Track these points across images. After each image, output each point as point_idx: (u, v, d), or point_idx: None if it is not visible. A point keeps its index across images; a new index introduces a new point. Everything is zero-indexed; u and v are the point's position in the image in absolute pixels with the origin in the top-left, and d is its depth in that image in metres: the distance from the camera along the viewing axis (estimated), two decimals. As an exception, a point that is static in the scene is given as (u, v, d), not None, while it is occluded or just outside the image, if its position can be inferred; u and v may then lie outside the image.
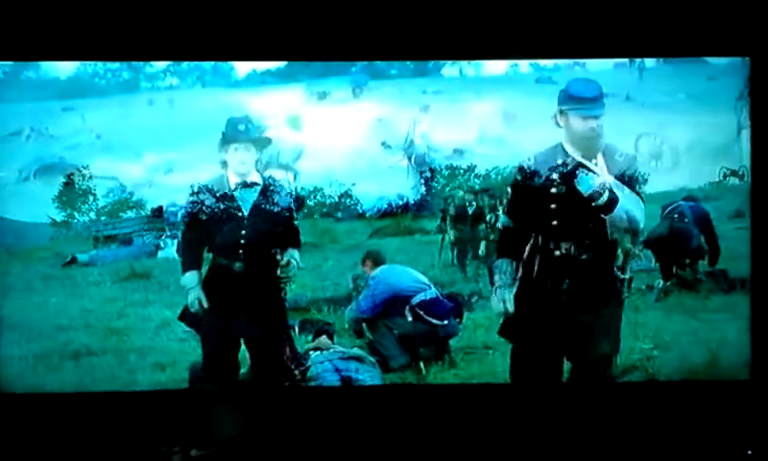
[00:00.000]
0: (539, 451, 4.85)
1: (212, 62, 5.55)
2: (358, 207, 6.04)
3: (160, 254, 5.71)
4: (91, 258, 5.57)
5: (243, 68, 5.67)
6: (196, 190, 5.02)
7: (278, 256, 4.88)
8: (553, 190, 4.45)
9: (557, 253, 4.43)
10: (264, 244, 4.88)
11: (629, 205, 4.37)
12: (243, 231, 4.84)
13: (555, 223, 4.42)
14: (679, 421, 4.94)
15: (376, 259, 5.34)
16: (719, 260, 5.50)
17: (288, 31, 5.20)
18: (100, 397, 4.90)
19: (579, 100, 4.44)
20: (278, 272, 4.85)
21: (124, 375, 4.95)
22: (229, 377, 4.84)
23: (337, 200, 5.82)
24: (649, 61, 5.64)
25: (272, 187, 4.99)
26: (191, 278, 4.87)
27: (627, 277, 4.52)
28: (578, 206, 4.37)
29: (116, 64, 5.55)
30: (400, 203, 6.10)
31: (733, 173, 5.42)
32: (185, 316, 4.87)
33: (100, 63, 5.51)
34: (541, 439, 4.88)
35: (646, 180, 5.66)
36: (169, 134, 5.97)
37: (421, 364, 5.06)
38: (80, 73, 5.53)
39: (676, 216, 5.65)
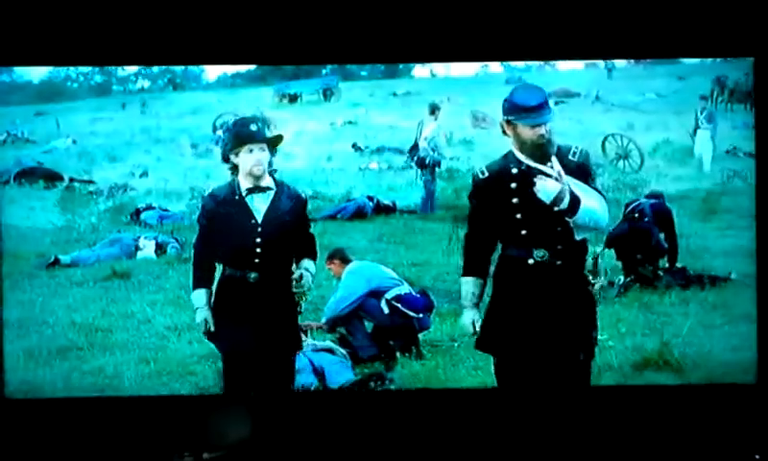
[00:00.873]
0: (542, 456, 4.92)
1: (183, 66, 5.51)
2: (329, 209, 6.14)
3: (139, 255, 5.86)
4: (73, 260, 5.72)
5: (213, 71, 5.69)
6: (205, 199, 4.76)
7: (293, 268, 4.70)
8: (515, 200, 4.36)
9: (530, 261, 4.36)
10: (280, 253, 4.66)
11: (591, 202, 4.28)
12: (258, 239, 4.60)
13: (524, 232, 4.34)
14: (686, 425, 4.98)
15: (343, 258, 5.46)
16: (678, 258, 5.63)
17: (259, 34, 5.14)
18: (112, 401, 4.99)
19: (525, 109, 4.33)
20: (293, 287, 4.67)
21: (110, 369, 5.10)
22: (247, 390, 4.72)
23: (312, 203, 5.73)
24: (619, 62, 5.62)
25: (286, 192, 4.73)
26: (199, 297, 4.67)
27: (599, 280, 4.50)
28: (543, 213, 4.28)
29: (88, 68, 5.57)
30: (371, 204, 6.24)
31: (736, 173, 5.45)
32: (209, 333, 4.71)
33: (72, 67, 5.51)
34: (542, 444, 4.93)
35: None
36: (143, 137, 6.04)
37: (398, 353, 5.28)
38: (52, 77, 5.53)
39: (637, 215, 5.76)
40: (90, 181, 6.19)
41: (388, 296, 5.36)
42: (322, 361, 5.21)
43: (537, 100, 4.31)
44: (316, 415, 5.00)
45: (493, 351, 4.54)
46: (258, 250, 4.56)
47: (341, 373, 5.20)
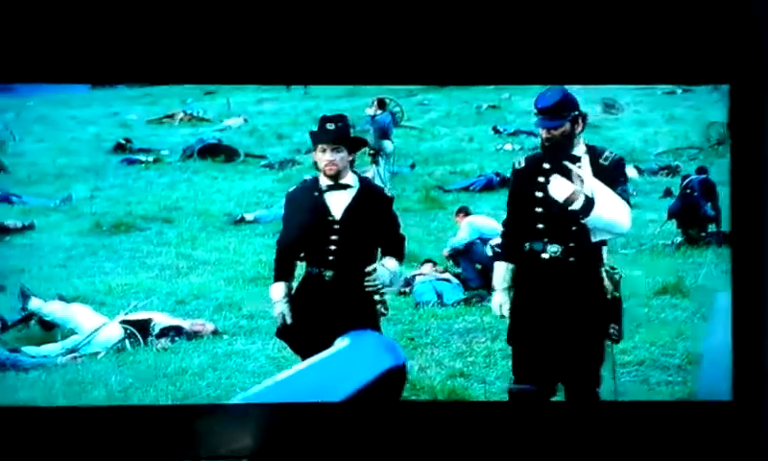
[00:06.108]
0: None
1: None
2: (463, 182, 7.58)
3: (304, 213, 7.28)
4: (255, 217, 7.27)
5: (363, 59, 6.10)
6: (287, 196, 5.00)
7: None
8: (538, 194, 4.64)
9: (544, 255, 4.64)
10: (357, 252, 4.79)
11: (610, 208, 4.49)
12: (334, 237, 4.76)
13: (541, 226, 4.63)
14: (661, 441, 5.29)
15: (466, 211, 6.98)
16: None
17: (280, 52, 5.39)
18: (111, 409, 5.32)
19: (537, 110, 4.66)
20: (365, 281, 4.73)
21: (288, 291, 6.34)
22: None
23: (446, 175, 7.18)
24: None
25: (370, 191, 4.88)
26: (276, 290, 4.89)
27: (618, 276, 4.69)
28: (560, 210, 4.55)
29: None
30: (497, 179, 7.53)
31: None
32: (280, 332, 4.93)
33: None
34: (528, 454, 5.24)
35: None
36: (306, 118, 6.98)
37: (494, 285, 6.62)
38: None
39: (688, 191, 7.08)
40: (262, 156, 7.54)
41: (492, 242, 6.52)
42: (441, 286, 6.77)
43: (545, 103, 4.60)
44: (318, 424, 5.28)
45: (513, 341, 4.84)
46: (333, 247, 4.77)
47: (454, 294, 6.75)
